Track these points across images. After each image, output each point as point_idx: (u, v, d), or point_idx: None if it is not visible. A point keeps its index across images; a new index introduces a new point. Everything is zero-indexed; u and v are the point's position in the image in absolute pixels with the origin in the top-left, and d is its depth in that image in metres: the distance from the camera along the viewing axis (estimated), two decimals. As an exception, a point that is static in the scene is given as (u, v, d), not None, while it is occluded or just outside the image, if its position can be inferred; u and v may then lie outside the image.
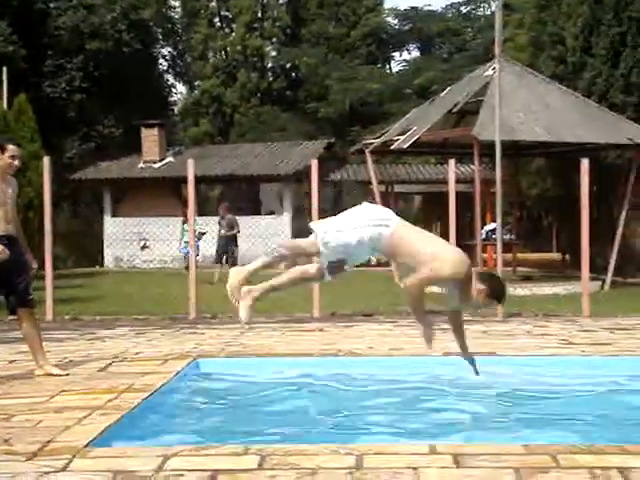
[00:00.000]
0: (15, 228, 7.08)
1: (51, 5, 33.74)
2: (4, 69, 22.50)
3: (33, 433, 5.03)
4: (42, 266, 13.30)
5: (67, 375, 7.04)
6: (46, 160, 12.75)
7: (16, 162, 7.03)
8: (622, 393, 6.57)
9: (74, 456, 4.47)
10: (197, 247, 18.54)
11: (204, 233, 20.01)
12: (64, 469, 4.26)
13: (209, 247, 20.58)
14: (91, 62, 33.27)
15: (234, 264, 18.19)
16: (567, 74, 21.66)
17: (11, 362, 8.02)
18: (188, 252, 18.49)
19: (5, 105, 21.41)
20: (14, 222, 7.07)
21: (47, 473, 4.18)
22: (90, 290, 16.54)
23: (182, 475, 4.11)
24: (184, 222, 19.77)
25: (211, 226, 20.97)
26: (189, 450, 4.59)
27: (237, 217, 22.46)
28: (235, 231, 19.58)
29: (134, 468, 4.23)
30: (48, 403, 5.92)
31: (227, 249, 19.25)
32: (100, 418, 5.36)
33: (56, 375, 7.01)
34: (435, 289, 7.20)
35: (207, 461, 4.35)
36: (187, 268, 18.69)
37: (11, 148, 6.98)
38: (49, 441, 4.81)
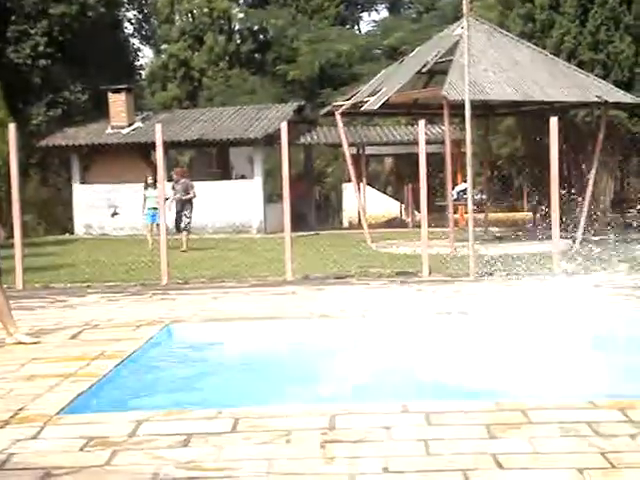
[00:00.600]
0: None
1: (13, -31, 33.10)
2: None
3: (5, 401, 5.01)
4: (12, 234, 13.18)
5: (38, 343, 6.98)
6: (12, 127, 12.56)
7: None
8: None
9: (46, 423, 4.46)
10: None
11: (167, 199, 19.59)
12: (36, 436, 4.25)
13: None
14: (56, 27, 32.69)
15: (187, 229, 18.34)
16: (536, 32, 21.61)
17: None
18: (153, 219, 18.27)
19: (-32, 72, 21.06)
20: None
21: (20, 440, 4.17)
22: (61, 258, 16.40)
23: (155, 439, 4.11)
24: (145, 187, 19.42)
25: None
26: (162, 415, 4.59)
27: (206, 182, 22.34)
28: (190, 195, 18.76)
29: (107, 434, 4.23)
30: (19, 372, 5.89)
31: (182, 214, 18.58)
32: (72, 385, 5.34)
33: (27, 343, 6.95)
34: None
35: (180, 425, 4.36)
36: (151, 232, 18.46)
37: None
38: (21, 409, 4.80)
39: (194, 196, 18.85)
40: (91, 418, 4.61)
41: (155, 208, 17.87)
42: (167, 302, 9.96)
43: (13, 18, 31.93)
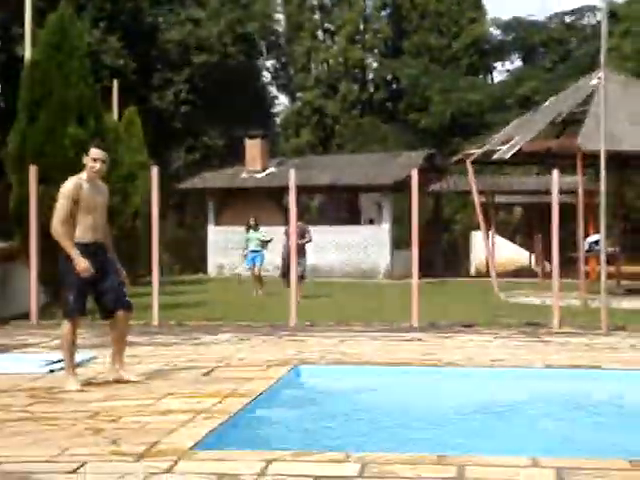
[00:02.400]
0: (103, 235, 7.10)
1: (160, 19, 34.69)
2: (115, 82, 23.24)
3: (140, 435, 5.20)
4: (149, 273, 13.69)
5: (139, 382, 7.12)
6: (154, 170, 13.09)
7: (97, 165, 6.96)
8: None
9: (180, 458, 4.61)
10: (262, 256, 18.26)
11: (269, 241, 18.78)
12: (170, 470, 4.39)
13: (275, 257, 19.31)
14: (197, 75, 34.02)
15: (302, 277, 16.50)
16: (677, 83, 21.01)
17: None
18: (253, 261, 18.23)
19: (115, 117, 22.11)
20: (102, 229, 7.07)
21: (154, 474, 4.32)
22: (194, 296, 16.90)
23: None
24: (247, 229, 18.87)
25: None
26: (291, 455, 4.68)
27: (337, 226, 22.28)
28: (305, 240, 17.11)
29: (237, 471, 4.34)
30: (154, 406, 6.11)
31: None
32: (205, 422, 5.50)
33: (131, 381, 7.08)
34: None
35: (308, 467, 4.43)
36: (256, 279, 17.95)
37: (93, 151, 6.99)
38: (156, 443, 4.96)
39: (309, 240, 17.40)
40: (223, 455, 4.75)
41: (256, 250, 18.05)
42: (295, 343, 10.11)
43: (158, 66, 33.39)
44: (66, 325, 6.97)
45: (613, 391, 7.01)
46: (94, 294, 7.01)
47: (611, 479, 4.18)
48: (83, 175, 7.00)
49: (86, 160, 7.00)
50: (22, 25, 19.18)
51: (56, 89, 13.59)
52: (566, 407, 6.34)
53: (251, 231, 18.61)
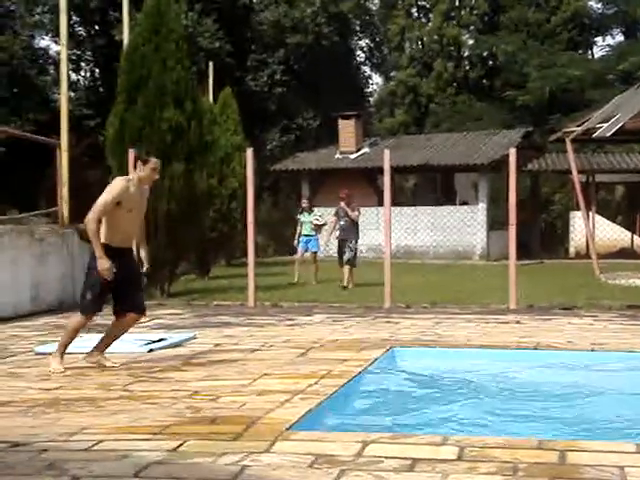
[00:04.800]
0: (137, 236, 7.25)
1: (254, 0, 34.89)
2: (210, 64, 23.49)
3: (238, 414, 5.25)
4: (244, 254, 13.80)
5: (117, 365, 7.15)
6: (249, 152, 13.20)
7: (156, 175, 7.11)
8: None
9: (277, 438, 4.63)
10: (316, 241, 17.07)
11: (323, 224, 17.35)
12: (267, 450, 4.42)
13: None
14: (291, 56, 34.13)
15: (350, 263, 15.54)
16: None
17: (216, 345, 8.40)
18: (305, 246, 16.93)
19: (211, 99, 22.36)
20: (135, 234, 7.18)
21: (252, 453, 4.35)
22: (289, 277, 17.01)
23: (381, 462, 4.17)
24: (301, 212, 17.52)
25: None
26: (387, 437, 4.65)
27: (431, 207, 21.81)
28: (355, 215, 15.65)
29: (334, 452, 4.34)
30: (251, 386, 6.16)
31: (346, 243, 15.62)
32: (301, 402, 5.52)
33: (108, 367, 7.07)
34: None
35: (406, 449, 4.39)
36: (300, 262, 16.62)
37: (153, 161, 7.06)
38: (253, 422, 5.00)
39: (357, 217, 15.77)
40: (319, 436, 4.75)
41: (309, 235, 16.97)
42: (390, 325, 10.07)
43: (252, 48, 33.60)
44: (78, 319, 7.03)
45: None
46: (112, 293, 7.01)
47: None
48: (133, 177, 7.05)
49: (142, 167, 7.01)
50: (119, 9, 19.57)
51: (154, 73, 13.79)
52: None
53: (305, 214, 17.37)
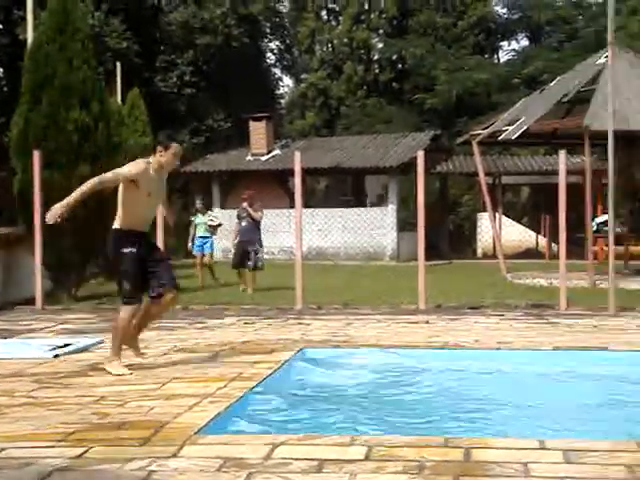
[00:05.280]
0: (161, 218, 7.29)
1: (162, 1, 34.54)
2: (118, 64, 23.15)
3: (146, 419, 5.18)
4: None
5: (144, 365, 7.10)
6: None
7: (177, 161, 7.10)
8: None
9: (185, 442, 4.59)
10: (212, 243, 16.69)
11: (218, 225, 17.06)
12: (175, 455, 4.37)
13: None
14: (201, 57, 33.90)
15: (257, 267, 15.20)
16: (684, 61, 20.85)
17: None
18: (201, 249, 16.41)
19: (119, 99, 22.03)
20: (153, 218, 7.32)
21: (159, 458, 4.30)
22: (199, 280, 16.86)
23: (290, 464, 4.17)
24: (194, 213, 17.13)
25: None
26: (296, 439, 4.66)
27: (342, 209, 21.85)
28: (258, 214, 15.31)
29: (243, 455, 4.32)
30: (160, 390, 6.09)
31: (250, 249, 15.15)
32: (210, 406, 5.48)
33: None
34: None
35: (314, 450, 4.40)
36: (201, 265, 16.17)
37: (174, 146, 7.03)
38: (161, 427, 4.95)
39: (260, 217, 15.38)
40: (228, 439, 4.72)
41: (204, 237, 16.53)
42: (301, 326, 10.08)
43: (161, 48, 33.25)
44: (126, 311, 6.94)
45: (620, 372, 6.96)
46: (146, 276, 6.93)
47: (619, 460, 4.14)
48: (152, 161, 6.96)
49: (163, 152, 6.94)
50: (24, 8, 19.10)
51: (59, 72, 13.51)
52: (576, 389, 6.29)
53: (199, 215, 16.86)
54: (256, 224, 15.38)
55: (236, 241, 15.64)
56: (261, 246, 15.33)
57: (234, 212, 16.83)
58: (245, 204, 15.60)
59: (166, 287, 6.94)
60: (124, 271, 6.84)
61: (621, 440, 4.58)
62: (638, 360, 7.43)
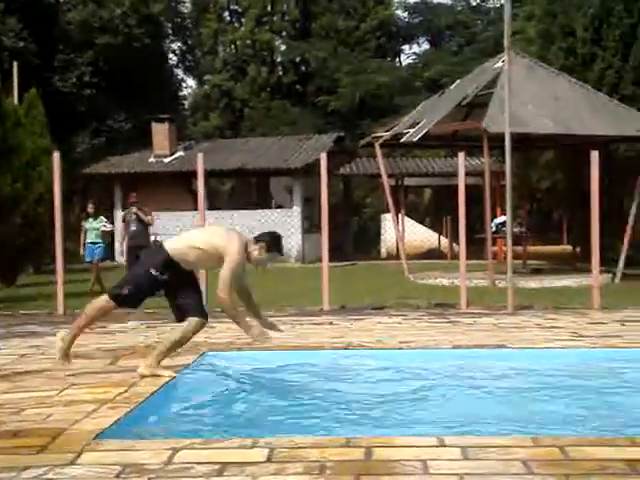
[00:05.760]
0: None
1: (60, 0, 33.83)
2: (15, 64, 22.54)
3: (43, 427, 5.05)
4: (53, 261, 13.32)
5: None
6: (56, 155, 12.78)
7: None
8: (632, 386, 6.57)
9: (83, 449, 4.50)
10: (103, 249, 16.14)
11: (110, 231, 16.34)
12: (73, 463, 4.28)
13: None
14: (101, 57, 33.32)
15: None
16: (577, 66, 21.55)
17: (22, 356, 8.06)
18: (92, 256, 15.79)
19: (16, 100, 21.45)
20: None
21: (57, 466, 4.21)
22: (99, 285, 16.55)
23: (192, 468, 4.14)
24: (86, 218, 16.32)
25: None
26: (198, 443, 4.61)
27: (247, 211, 21.64)
28: (148, 218, 15.04)
29: (143, 461, 4.26)
30: (58, 397, 5.95)
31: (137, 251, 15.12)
32: (110, 411, 5.38)
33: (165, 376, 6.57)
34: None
35: (216, 454, 4.37)
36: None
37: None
38: (59, 434, 4.84)
39: (152, 221, 15.32)
40: (128, 445, 4.64)
41: (95, 242, 15.92)
42: (205, 329, 9.88)
43: (60, 47, 32.55)
44: (104, 301, 6.69)
45: (518, 369, 7.13)
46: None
47: (515, 456, 4.23)
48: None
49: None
50: None
51: (-49, 71, 13.09)
52: (475, 386, 6.41)
53: (90, 220, 16.10)
54: (146, 228, 15.05)
55: (125, 246, 15.21)
56: None
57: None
58: (135, 208, 15.25)
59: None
60: (139, 281, 6.56)
61: (518, 436, 4.69)
62: (535, 357, 7.63)
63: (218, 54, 46.40)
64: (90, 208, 16.53)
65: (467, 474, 3.96)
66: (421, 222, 35.89)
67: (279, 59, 46.92)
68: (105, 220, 16.70)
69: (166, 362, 7.32)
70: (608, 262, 17.14)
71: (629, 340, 8.67)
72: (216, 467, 4.12)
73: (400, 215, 26.81)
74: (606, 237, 15.01)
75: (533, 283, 16.28)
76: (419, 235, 32.01)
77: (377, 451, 4.34)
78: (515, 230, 17.61)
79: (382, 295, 13.65)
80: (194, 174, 13.89)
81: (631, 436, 4.65)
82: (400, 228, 23.95)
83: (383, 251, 31.98)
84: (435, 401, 5.94)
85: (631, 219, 17.67)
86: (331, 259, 13.04)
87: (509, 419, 5.36)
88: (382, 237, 32.65)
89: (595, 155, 12.23)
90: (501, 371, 7.02)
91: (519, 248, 20.55)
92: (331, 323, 10.54)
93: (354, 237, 32.97)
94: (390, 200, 20.22)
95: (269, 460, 4.23)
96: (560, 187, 26.32)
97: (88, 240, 15.93)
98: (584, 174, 13.32)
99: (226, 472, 4.06)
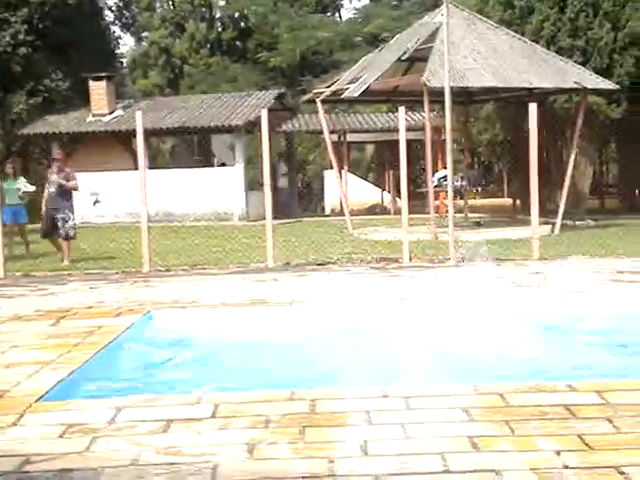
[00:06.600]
0: None
1: (-9, -45, 32.79)
2: (-56, 22, 21.88)
3: (-16, 390, 5.00)
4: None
5: None
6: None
7: None
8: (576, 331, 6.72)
9: (25, 411, 4.46)
10: (25, 210, 15.43)
11: (31, 192, 15.57)
12: (15, 424, 4.25)
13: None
14: (36, 14, 32.47)
15: (68, 236, 13.56)
16: (515, 19, 21.68)
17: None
18: (15, 219, 15.08)
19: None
20: None
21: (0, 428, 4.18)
22: (42, 246, 16.32)
23: (135, 426, 4.13)
24: (4, 179, 15.27)
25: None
26: (142, 401, 4.60)
27: (189, 169, 21.31)
28: (72, 184, 13.70)
29: (86, 420, 4.24)
30: (-1, 359, 5.89)
31: (58, 216, 13.47)
32: (52, 373, 5.33)
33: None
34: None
35: (160, 411, 4.37)
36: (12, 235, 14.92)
37: None
38: (0, 396, 4.79)
39: (75, 185, 13.85)
40: (71, 405, 4.62)
41: (15, 204, 15.05)
42: (148, 289, 9.95)
43: (-8, 6, 31.65)
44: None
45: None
46: None
47: (457, 404, 4.31)
48: None
49: None
50: None
51: None
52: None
53: (9, 181, 15.22)
54: (64, 190, 13.62)
55: (44, 209, 13.87)
56: (72, 213, 13.66)
57: (76, 175, 15.87)
58: (55, 167, 13.85)
59: None
60: None
61: (459, 384, 4.77)
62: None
63: (156, 10, 45.61)
64: (9, 169, 15.75)
65: (409, 423, 4.02)
66: (364, 178, 35.98)
67: (218, 15, 46.29)
68: (25, 180, 15.96)
69: (109, 320, 7.29)
70: (548, 214, 17.40)
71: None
72: (161, 424, 4.12)
73: (343, 171, 26.82)
74: (545, 188, 15.22)
75: (475, 236, 16.47)
76: (362, 191, 32.11)
77: (321, 403, 4.38)
78: (456, 184, 17.74)
79: (326, 251, 13.69)
80: (134, 133, 13.69)
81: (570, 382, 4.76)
82: (343, 184, 23.99)
83: (327, 207, 32.02)
84: (379, 353, 6.00)
85: (569, 170, 17.93)
86: (275, 216, 13.01)
87: (451, 368, 5.45)
88: (326, 194, 32.67)
89: (533, 107, 12.34)
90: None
91: (461, 202, 20.75)
92: (275, 280, 10.55)
93: (298, 194, 32.93)
94: (333, 156, 20.21)
95: (214, 416, 4.25)
96: (500, 140, 26.55)
97: (8, 202, 14.79)
98: (523, 126, 13.46)
99: (171, 429, 4.06)
